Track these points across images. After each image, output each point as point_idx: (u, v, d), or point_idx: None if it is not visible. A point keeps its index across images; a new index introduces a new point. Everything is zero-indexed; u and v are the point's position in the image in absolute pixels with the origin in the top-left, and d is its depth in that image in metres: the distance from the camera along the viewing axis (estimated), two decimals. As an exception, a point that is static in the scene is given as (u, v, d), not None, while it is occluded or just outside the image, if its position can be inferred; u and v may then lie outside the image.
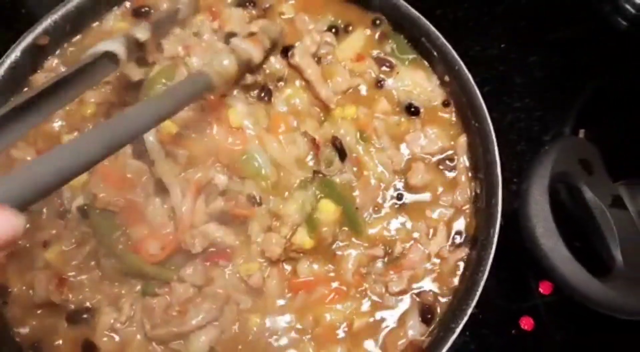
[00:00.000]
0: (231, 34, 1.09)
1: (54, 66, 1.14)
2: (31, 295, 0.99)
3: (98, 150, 0.74)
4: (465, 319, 0.93)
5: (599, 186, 1.10)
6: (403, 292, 1.01)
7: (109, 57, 0.95)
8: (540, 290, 1.16)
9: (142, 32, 1.01)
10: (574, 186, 1.11)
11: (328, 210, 1.01)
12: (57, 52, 1.15)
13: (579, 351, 1.16)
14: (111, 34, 1.16)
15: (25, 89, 1.11)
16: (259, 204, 1.01)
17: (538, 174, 1.07)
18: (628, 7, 1.41)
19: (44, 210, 1.04)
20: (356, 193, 1.05)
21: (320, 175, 1.04)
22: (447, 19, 1.15)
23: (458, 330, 0.92)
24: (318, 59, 1.13)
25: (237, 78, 1.03)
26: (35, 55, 1.12)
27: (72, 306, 0.99)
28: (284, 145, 1.05)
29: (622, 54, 1.36)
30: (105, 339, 0.98)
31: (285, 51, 1.11)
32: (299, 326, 0.99)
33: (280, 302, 1.00)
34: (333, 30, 1.16)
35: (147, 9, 1.18)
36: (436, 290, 1.02)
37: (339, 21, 1.18)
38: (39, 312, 1.00)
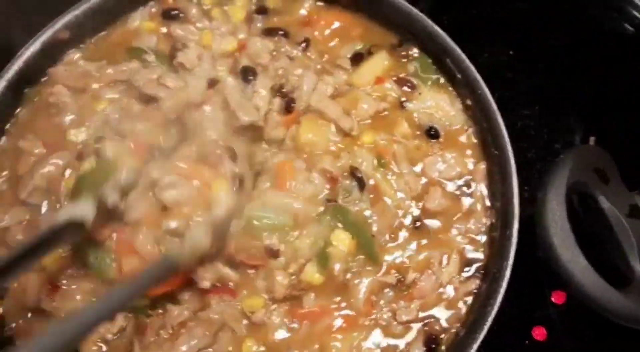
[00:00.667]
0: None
1: (75, 60, 1.15)
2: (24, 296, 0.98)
3: (60, 343, 0.73)
4: (476, 346, 0.92)
5: (615, 195, 1.08)
6: (411, 321, 0.99)
7: (75, 225, 0.90)
8: (553, 300, 1.14)
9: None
10: (590, 196, 1.09)
11: (342, 241, 0.99)
12: (81, 46, 1.16)
13: None
14: (138, 33, 1.17)
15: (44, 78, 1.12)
16: (276, 256, 0.98)
17: (554, 184, 1.06)
18: (635, 12, 1.41)
19: (44, 204, 1.04)
20: (372, 220, 1.03)
21: (333, 203, 1.03)
22: (454, 25, 1.12)
23: None
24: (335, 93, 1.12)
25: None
26: (55, 49, 1.13)
27: (63, 315, 0.97)
28: (294, 192, 1.03)
29: (629, 60, 1.35)
30: (94, 347, 0.96)
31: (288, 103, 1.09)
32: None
33: (282, 333, 0.98)
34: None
35: (176, 12, 1.18)
36: (444, 320, 1.00)
37: (363, 46, 1.17)
38: (29, 315, 0.99)
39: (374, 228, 1.03)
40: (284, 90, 1.10)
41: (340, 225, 1.00)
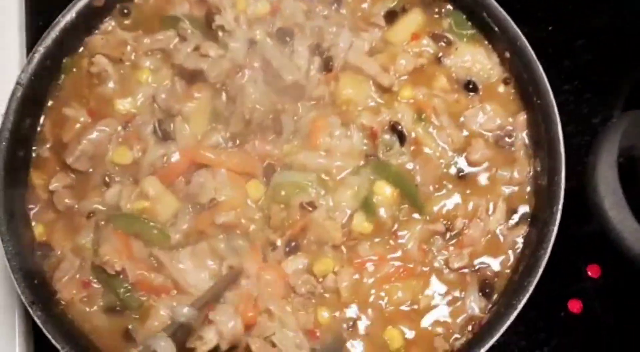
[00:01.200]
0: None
1: (111, 29, 1.15)
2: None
3: None
4: (527, 295, 0.93)
5: None
6: (463, 267, 1.01)
7: None
8: (589, 273, 1.15)
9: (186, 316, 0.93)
10: None
11: (383, 192, 1.02)
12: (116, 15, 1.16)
13: (627, 334, 1.15)
14: (173, 4, 1.16)
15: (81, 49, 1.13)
16: (313, 207, 1.01)
17: (605, 148, 1.05)
18: None
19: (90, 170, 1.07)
20: (415, 171, 1.05)
21: (373, 158, 1.05)
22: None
23: (520, 306, 0.93)
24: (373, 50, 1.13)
25: None
26: (91, 17, 1.13)
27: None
28: (327, 148, 1.05)
29: None
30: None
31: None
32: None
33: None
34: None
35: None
36: (496, 265, 1.02)
37: (396, 3, 1.17)
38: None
39: (418, 179, 1.04)
40: (321, 48, 1.11)
41: (380, 178, 1.03)
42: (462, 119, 1.10)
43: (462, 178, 1.06)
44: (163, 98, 1.08)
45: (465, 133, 1.09)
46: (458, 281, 1.01)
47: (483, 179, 1.07)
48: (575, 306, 1.14)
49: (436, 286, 1.01)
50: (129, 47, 1.12)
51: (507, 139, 1.09)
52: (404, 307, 1.00)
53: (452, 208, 1.04)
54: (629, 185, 1.03)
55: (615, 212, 1.01)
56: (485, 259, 1.02)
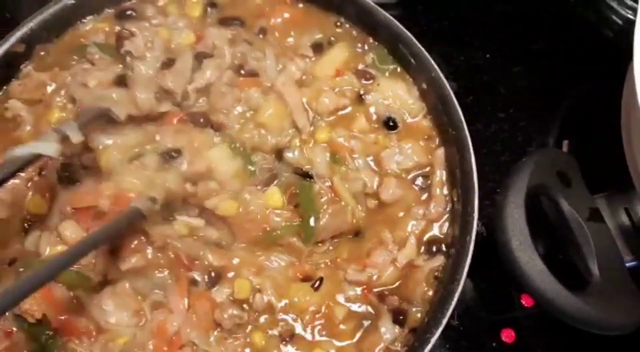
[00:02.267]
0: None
1: (28, 72, 1.14)
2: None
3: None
4: (441, 329, 0.92)
5: (576, 198, 1.09)
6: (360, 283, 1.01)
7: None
8: (522, 302, 1.16)
9: (72, 132, 0.97)
10: (552, 199, 1.10)
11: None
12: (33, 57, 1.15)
13: None
14: (88, 36, 1.16)
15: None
16: None
17: (514, 187, 1.05)
18: (614, 17, 1.40)
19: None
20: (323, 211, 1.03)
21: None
22: (431, 28, 1.15)
23: (433, 340, 0.92)
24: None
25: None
26: (11, 63, 1.13)
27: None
28: None
29: (608, 65, 1.32)
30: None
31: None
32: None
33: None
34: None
35: (131, 11, 1.18)
36: (410, 300, 1.01)
37: (323, 36, 1.18)
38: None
39: (322, 221, 1.03)
40: (243, 70, 1.11)
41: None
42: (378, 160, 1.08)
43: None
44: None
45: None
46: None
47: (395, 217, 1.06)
48: (508, 335, 1.14)
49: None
50: (49, 88, 1.11)
51: (422, 179, 1.08)
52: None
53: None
54: (536, 224, 1.04)
55: (521, 253, 1.01)
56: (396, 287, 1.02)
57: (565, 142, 1.26)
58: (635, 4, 1.12)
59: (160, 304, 0.99)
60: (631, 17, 1.37)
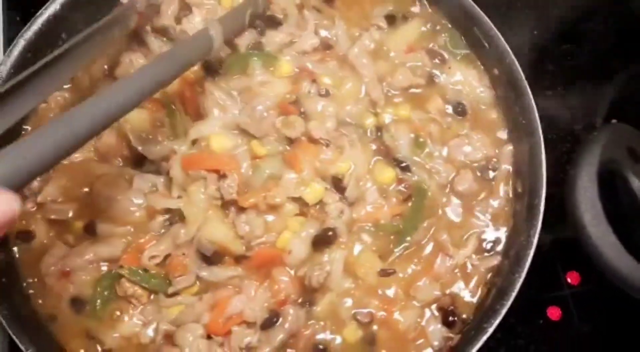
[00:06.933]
0: None
1: None
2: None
3: (97, 120, 0.74)
4: (499, 319, 0.96)
5: None
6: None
7: None
8: (568, 280, 1.18)
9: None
10: (620, 174, 1.09)
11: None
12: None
13: (606, 342, 1.18)
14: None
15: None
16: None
17: (586, 161, 1.05)
18: None
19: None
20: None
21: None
22: (477, 3, 1.14)
23: (490, 330, 0.95)
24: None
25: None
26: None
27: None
28: None
29: None
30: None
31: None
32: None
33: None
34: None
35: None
36: (467, 293, 1.04)
37: (397, 10, 1.17)
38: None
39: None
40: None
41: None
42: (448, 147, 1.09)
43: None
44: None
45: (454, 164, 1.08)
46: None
47: (458, 210, 1.07)
48: (554, 313, 1.17)
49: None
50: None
51: (491, 172, 1.09)
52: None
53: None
54: (609, 198, 1.04)
55: (594, 228, 1.01)
56: (455, 287, 1.04)
57: (614, 122, 1.24)
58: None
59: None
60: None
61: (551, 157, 1.06)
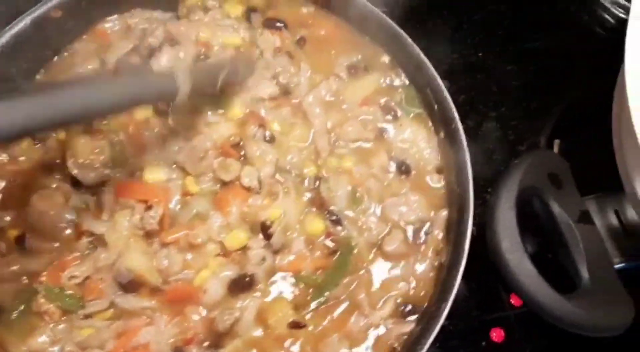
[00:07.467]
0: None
1: None
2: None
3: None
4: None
5: (567, 200, 1.10)
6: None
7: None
8: (512, 302, 1.18)
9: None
10: (542, 200, 1.11)
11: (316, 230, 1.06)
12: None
13: None
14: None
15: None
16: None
17: (506, 188, 1.07)
18: (607, 17, 1.43)
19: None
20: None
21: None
22: (425, 26, 1.14)
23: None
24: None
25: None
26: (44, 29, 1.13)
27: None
28: None
29: (600, 65, 1.27)
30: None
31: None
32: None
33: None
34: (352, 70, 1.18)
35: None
36: None
37: (361, 60, 1.19)
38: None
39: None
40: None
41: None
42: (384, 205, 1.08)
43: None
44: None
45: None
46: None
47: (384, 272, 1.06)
48: (497, 334, 1.16)
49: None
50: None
51: (423, 236, 1.07)
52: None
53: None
54: (527, 226, 1.06)
55: (511, 255, 1.02)
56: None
57: (557, 142, 1.26)
58: (627, 4, 1.11)
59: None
60: (623, 16, 1.39)
61: (494, 176, 1.09)
